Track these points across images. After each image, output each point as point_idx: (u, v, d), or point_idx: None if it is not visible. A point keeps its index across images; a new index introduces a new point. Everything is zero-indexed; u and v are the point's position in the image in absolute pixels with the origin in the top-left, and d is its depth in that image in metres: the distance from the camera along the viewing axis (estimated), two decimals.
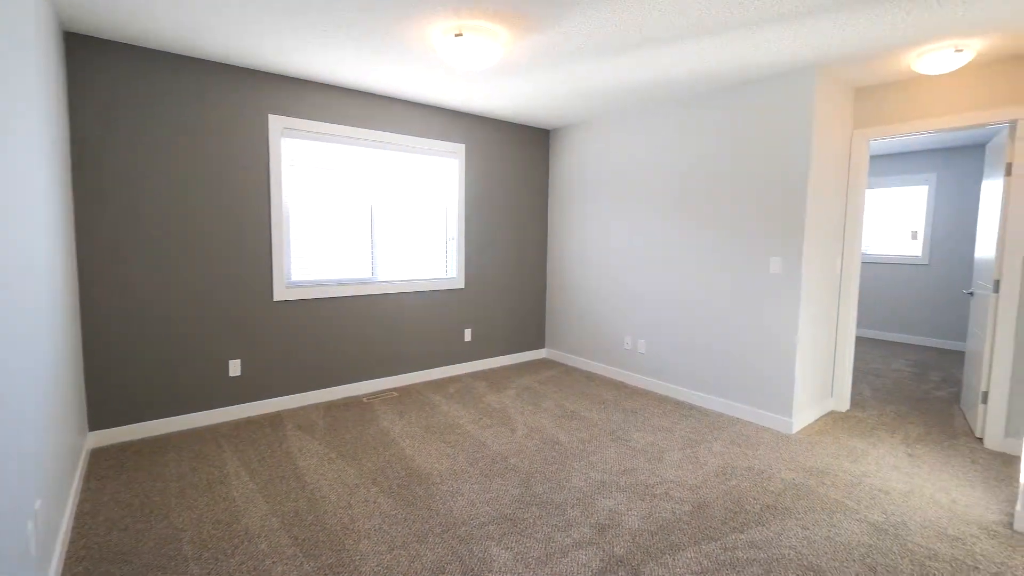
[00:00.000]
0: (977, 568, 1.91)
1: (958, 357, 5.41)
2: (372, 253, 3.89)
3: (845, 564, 1.92)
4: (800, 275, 3.15)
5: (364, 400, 3.73)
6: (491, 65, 3.08)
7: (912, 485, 2.55)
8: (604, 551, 1.98)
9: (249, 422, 3.27)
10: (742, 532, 2.12)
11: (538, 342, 5.11)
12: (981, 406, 3.13)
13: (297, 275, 3.55)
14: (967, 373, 3.62)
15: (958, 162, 5.72)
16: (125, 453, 2.80)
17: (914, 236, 6.22)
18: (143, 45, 2.84)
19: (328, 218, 3.65)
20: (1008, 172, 2.92)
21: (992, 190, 3.27)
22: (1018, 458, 2.87)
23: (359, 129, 3.70)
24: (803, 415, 3.33)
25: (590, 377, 4.44)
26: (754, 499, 2.40)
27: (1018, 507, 2.19)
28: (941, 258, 5.88)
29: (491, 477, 2.58)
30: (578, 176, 4.68)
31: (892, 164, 6.28)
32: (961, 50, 2.66)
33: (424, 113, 4.05)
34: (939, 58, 2.74)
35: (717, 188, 3.57)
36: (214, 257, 3.18)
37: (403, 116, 3.93)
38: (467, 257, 4.45)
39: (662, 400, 3.84)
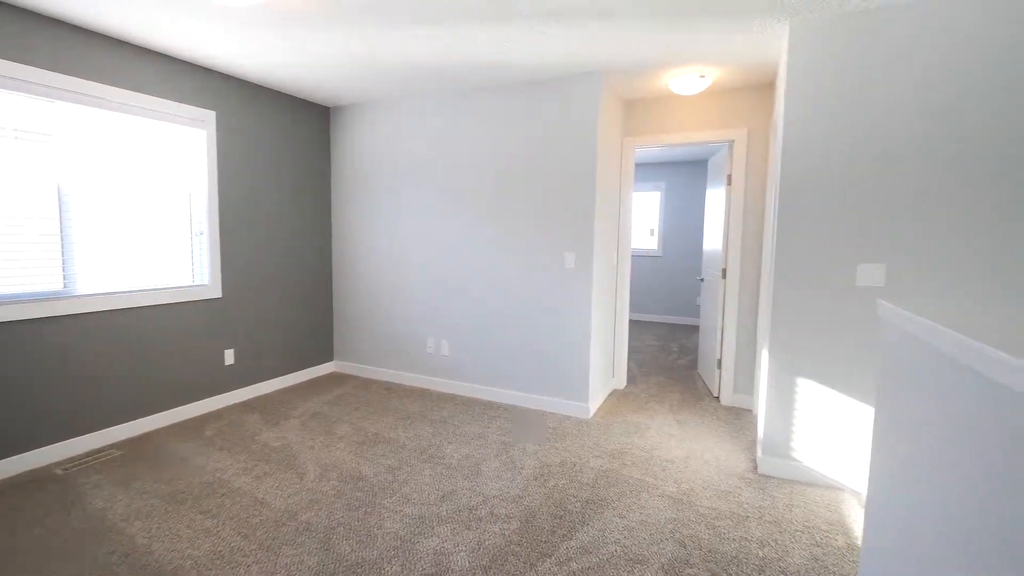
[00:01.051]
0: (748, 517, 2.23)
1: (688, 330, 6.78)
2: (64, 256, 2.67)
3: (661, 545, 2.01)
4: (591, 268, 3.34)
5: (59, 472, 2.53)
6: (254, 3, 2.36)
7: (687, 450, 2.92)
8: None
9: None
10: (571, 538, 2.05)
11: (325, 355, 4.41)
12: (717, 371, 3.85)
13: None
14: (703, 344, 4.46)
15: (681, 173, 7.16)
16: None
17: (652, 233, 7.57)
18: None
19: None
20: (729, 182, 3.63)
21: (715, 197, 4.05)
22: (746, 410, 3.62)
23: (38, 71, 2.45)
24: (596, 399, 3.58)
25: (390, 388, 4.00)
26: (573, 496, 2.38)
27: (759, 454, 2.69)
28: (672, 250, 7.29)
29: (276, 549, 1.96)
30: (368, 163, 4.15)
31: (634, 172, 7.51)
32: (704, 76, 3.14)
33: (152, 62, 2.96)
34: (687, 81, 3.19)
35: (517, 184, 3.55)
36: None
37: (117, 61, 2.78)
38: (224, 257, 3.49)
39: (470, 403, 3.68)
